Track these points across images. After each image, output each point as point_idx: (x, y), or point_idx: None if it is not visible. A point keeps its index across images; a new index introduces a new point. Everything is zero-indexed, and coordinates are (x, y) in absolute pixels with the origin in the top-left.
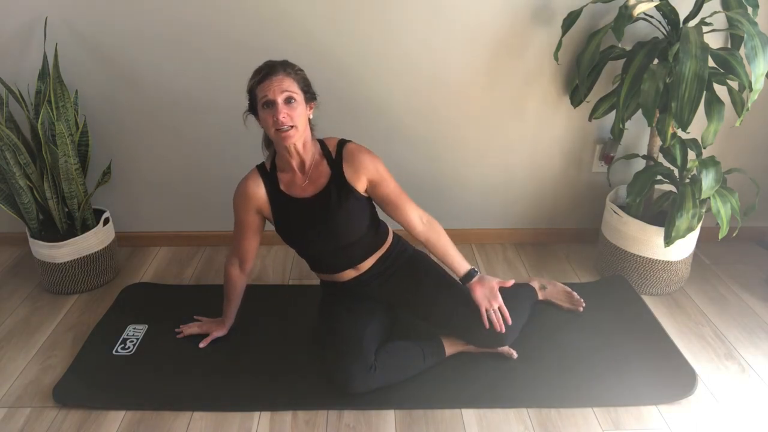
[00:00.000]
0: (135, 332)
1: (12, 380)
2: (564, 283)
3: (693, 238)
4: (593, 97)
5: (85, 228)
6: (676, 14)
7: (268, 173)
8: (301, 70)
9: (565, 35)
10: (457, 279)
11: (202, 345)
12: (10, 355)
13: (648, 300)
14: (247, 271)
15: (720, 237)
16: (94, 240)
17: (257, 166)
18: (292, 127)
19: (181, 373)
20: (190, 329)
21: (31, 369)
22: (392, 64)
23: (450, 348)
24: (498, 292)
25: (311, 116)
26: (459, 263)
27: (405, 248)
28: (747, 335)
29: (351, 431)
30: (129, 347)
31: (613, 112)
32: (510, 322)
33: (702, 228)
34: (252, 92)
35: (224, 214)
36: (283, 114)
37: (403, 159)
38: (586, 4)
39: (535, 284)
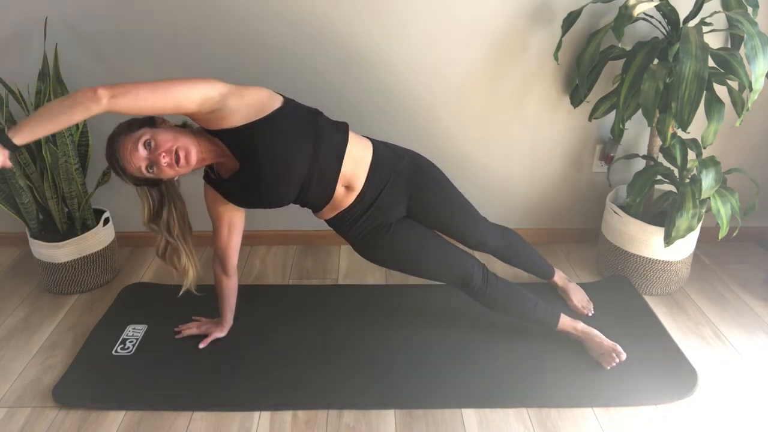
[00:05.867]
0: (135, 332)
1: (12, 380)
2: None
3: (693, 238)
4: (593, 97)
5: (85, 228)
6: (676, 14)
7: (213, 177)
8: (120, 123)
9: (565, 35)
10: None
11: (201, 345)
12: (10, 355)
13: (648, 300)
14: (231, 272)
15: (720, 237)
16: (94, 240)
17: (204, 177)
18: (177, 151)
19: (181, 373)
20: (189, 330)
21: (31, 369)
22: (392, 63)
23: (563, 324)
24: None
25: (172, 124)
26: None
27: (399, 156)
28: (747, 335)
29: (351, 431)
30: (129, 347)
31: (613, 112)
32: None
33: (702, 228)
34: (137, 180)
35: None
36: (162, 155)
37: None
38: (586, 4)
39: (561, 273)
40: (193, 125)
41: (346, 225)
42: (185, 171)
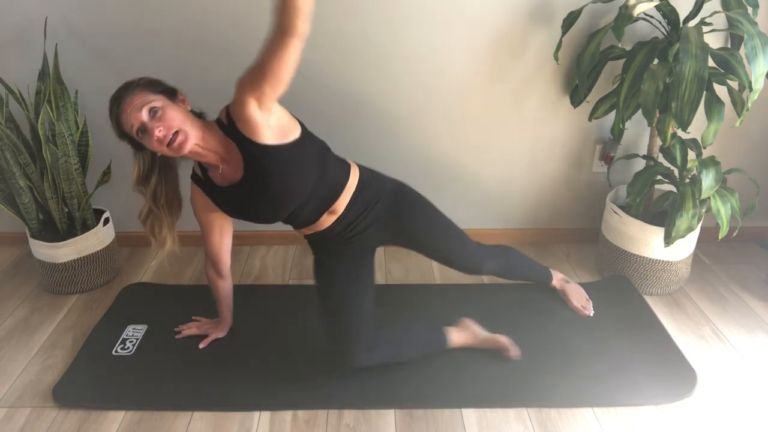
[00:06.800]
0: (134, 332)
1: (12, 380)
2: None
3: (693, 238)
4: (593, 97)
5: (85, 228)
6: (676, 14)
7: (201, 178)
8: (142, 78)
9: (565, 35)
10: None
11: (201, 346)
12: (10, 355)
13: (648, 300)
14: (224, 274)
15: (720, 237)
16: (94, 240)
17: (191, 177)
18: (176, 132)
19: (181, 373)
20: (189, 330)
21: (31, 369)
22: (392, 64)
23: (457, 339)
24: None
25: (188, 108)
26: None
27: (383, 180)
28: (747, 335)
29: (351, 431)
30: (128, 347)
31: (613, 112)
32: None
33: (702, 228)
34: (122, 133)
35: None
36: (158, 128)
37: (402, 159)
38: (586, 4)
39: (558, 274)
40: (206, 118)
41: (317, 242)
42: (171, 154)
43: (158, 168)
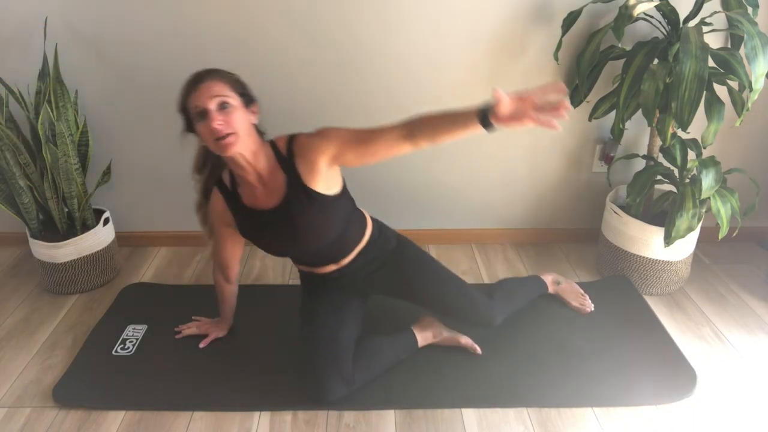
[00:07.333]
0: (135, 332)
1: (12, 380)
2: None
3: (693, 238)
4: (593, 97)
5: (85, 228)
6: (676, 14)
7: (229, 190)
8: (233, 74)
9: (565, 35)
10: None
11: (202, 345)
12: (10, 355)
13: (648, 300)
14: (233, 279)
15: (720, 237)
16: (94, 240)
17: (216, 183)
18: (231, 134)
19: (181, 373)
20: (189, 329)
21: (31, 369)
22: (391, 64)
23: (422, 340)
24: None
25: (255, 121)
26: (467, 120)
27: (387, 238)
28: (747, 335)
29: (351, 431)
30: (129, 347)
31: (613, 112)
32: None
33: (702, 228)
34: (184, 108)
35: None
36: (218, 121)
37: (402, 159)
38: (586, 4)
39: (549, 278)
40: (265, 137)
41: (310, 277)
42: (214, 149)
43: (210, 162)
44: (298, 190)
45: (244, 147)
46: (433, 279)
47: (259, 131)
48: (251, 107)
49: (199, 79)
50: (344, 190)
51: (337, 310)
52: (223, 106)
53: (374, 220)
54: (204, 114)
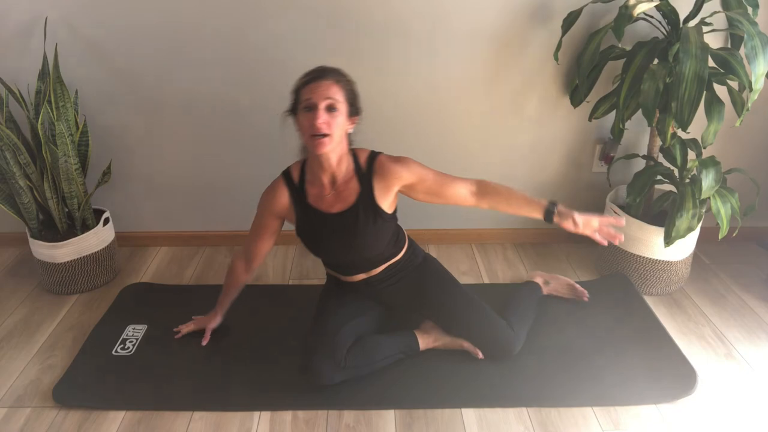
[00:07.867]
0: (134, 332)
1: (12, 380)
2: None
3: (693, 238)
4: (593, 97)
5: (85, 228)
6: (676, 14)
7: (296, 185)
8: (352, 82)
9: (565, 35)
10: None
11: (204, 342)
12: (10, 355)
13: (648, 300)
14: (252, 271)
15: (720, 237)
16: (94, 240)
17: (284, 174)
18: (326, 135)
19: (181, 373)
20: (187, 328)
21: (31, 369)
22: (391, 64)
23: (424, 343)
24: (587, 217)
25: (351, 131)
26: (532, 211)
27: (416, 254)
28: (747, 335)
29: (351, 431)
30: (128, 347)
31: (613, 112)
32: (621, 223)
33: (702, 228)
34: (297, 93)
35: (225, 214)
36: (322, 120)
37: None
38: (586, 4)
39: (539, 280)
40: (351, 145)
41: (336, 280)
42: (305, 142)
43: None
44: (367, 204)
45: (333, 151)
46: (450, 294)
47: (350, 140)
48: (353, 117)
49: (321, 75)
50: (396, 213)
51: (352, 310)
52: (331, 108)
53: (409, 238)
54: (312, 108)
